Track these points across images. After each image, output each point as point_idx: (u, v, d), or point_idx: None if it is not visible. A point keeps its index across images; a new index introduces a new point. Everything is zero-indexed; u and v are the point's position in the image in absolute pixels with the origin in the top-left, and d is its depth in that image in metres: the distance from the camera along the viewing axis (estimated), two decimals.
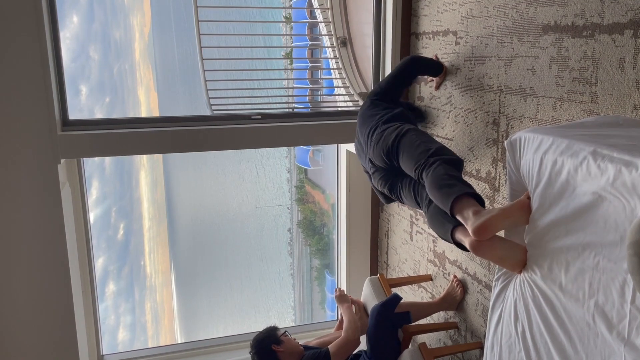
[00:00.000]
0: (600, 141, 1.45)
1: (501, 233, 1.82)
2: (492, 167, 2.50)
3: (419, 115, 3.03)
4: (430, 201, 2.14)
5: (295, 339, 2.76)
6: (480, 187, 2.60)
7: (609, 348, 1.35)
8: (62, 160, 2.93)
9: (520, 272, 1.71)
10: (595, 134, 1.54)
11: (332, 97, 3.97)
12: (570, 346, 1.47)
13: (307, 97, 4.53)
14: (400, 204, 2.91)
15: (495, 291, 1.86)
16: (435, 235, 3.05)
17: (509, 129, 2.37)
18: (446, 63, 2.81)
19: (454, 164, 2.08)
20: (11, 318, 3.00)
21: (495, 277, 1.87)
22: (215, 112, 3.18)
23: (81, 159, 3.26)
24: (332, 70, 3.93)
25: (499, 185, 2.47)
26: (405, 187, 2.36)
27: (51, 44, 2.78)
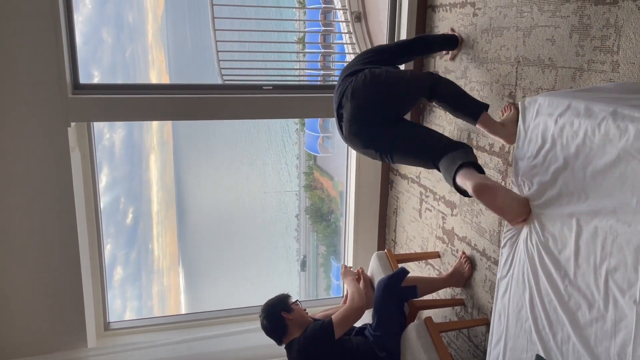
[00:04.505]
0: (620, 103, 1.41)
1: None
2: None
3: None
4: None
5: (305, 310, 2.74)
6: (493, 162, 2.56)
7: (620, 312, 1.33)
8: (73, 124, 2.93)
9: (518, 224, 1.73)
10: (614, 97, 1.50)
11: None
12: (580, 311, 1.44)
13: (319, 79, 4.49)
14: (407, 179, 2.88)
15: (502, 260, 1.84)
16: (445, 212, 3.02)
17: None
18: (463, 36, 2.76)
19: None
20: (18, 281, 3.02)
21: (502, 244, 1.85)
22: (226, 81, 3.15)
23: (91, 125, 3.25)
24: (345, 46, 3.89)
25: (512, 160, 2.43)
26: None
27: (63, 6, 2.76)
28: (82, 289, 3.12)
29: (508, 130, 2.30)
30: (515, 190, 1.74)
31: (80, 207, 3.10)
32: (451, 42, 2.78)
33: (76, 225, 3.02)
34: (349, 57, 3.79)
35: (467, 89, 2.75)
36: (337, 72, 4.40)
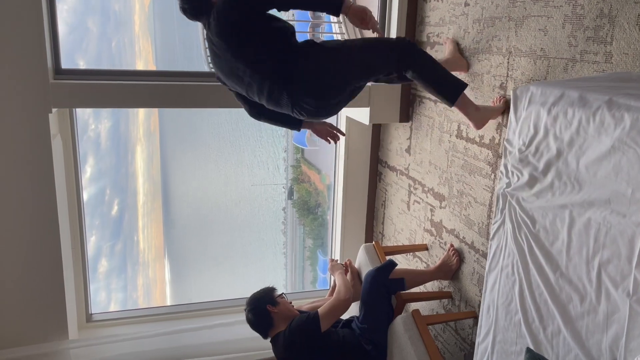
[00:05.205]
0: (615, 92, 1.38)
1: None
2: (497, 133, 2.43)
3: None
4: None
5: (291, 302, 2.70)
6: (483, 154, 2.53)
7: (613, 305, 1.30)
8: (54, 111, 2.85)
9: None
10: (609, 86, 1.47)
11: None
12: (571, 303, 1.42)
13: None
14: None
15: (490, 252, 1.81)
16: (434, 205, 3.00)
17: None
18: (455, 26, 2.72)
19: None
20: None
21: (490, 236, 1.82)
22: (212, 69, 3.08)
23: (74, 112, 3.17)
24: (334, 36, 3.83)
25: (502, 152, 2.40)
26: None
27: None
28: (63, 280, 3.05)
29: (481, 114, 2.31)
30: (504, 180, 1.71)
31: (61, 197, 3.03)
32: (333, 5, 2.16)
33: (57, 215, 2.94)
34: None
35: None
36: None
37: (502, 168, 1.71)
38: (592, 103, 1.37)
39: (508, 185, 1.67)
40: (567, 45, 2.02)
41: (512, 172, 1.64)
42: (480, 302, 2.60)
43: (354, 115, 3.39)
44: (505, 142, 1.69)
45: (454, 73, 2.34)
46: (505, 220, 1.67)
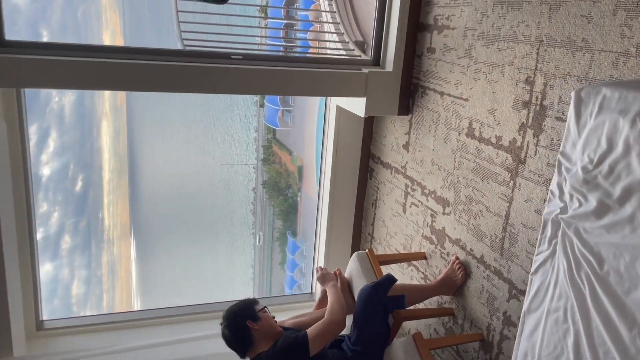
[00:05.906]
0: None
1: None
2: (519, 134, 2.11)
3: None
4: None
5: (274, 317, 2.36)
6: (499, 158, 2.21)
7: None
8: None
9: None
10: None
11: (323, 43, 3.49)
12: None
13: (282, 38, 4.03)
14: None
15: (532, 289, 1.48)
16: (435, 210, 2.67)
17: (546, 89, 1.96)
18: (470, 8, 2.37)
19: None
20: None
21: (532, 269, 1.50)
22: (187, 46, 2.67)
23: (21, 92, 2.71)
24: (324, 14, 3.45)
25: (525, 156, 2.08)
26: None
27: None
28: (6, 285, 2.62)
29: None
30: (556, 203, 1.38)
31: (4, 189, 2.59)
32: None
33: None
34: (329, 27, 3.35)
35: (470, 71, 2.39)
36: (300, 43, 3.96)
37: (553, 187, 1.38)
38: None
39: (563, 210, 1.34)
40: (618, 36, 1.69)
41: (572, 195, 1.31)
42: (489, 323, 2.31)
43: (347, 105, 3.02)
44: (559, 156, 1.36)
45: None
46: (557, 253, 1.35)
